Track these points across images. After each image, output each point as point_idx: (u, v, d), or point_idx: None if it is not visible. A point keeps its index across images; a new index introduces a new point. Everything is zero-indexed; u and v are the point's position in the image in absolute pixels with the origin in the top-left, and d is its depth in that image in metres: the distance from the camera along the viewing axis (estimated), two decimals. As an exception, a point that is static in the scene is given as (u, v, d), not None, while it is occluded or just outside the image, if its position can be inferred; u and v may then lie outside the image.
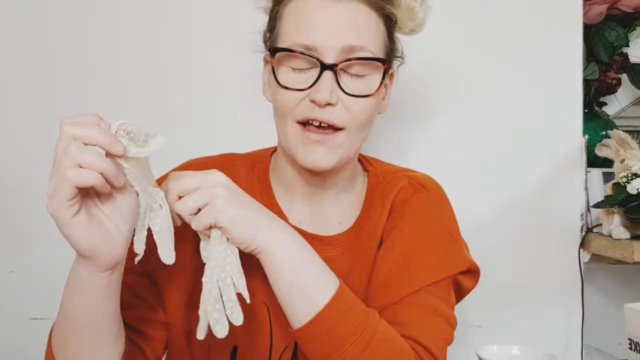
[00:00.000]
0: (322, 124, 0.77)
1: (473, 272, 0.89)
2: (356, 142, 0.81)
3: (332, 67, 0.75)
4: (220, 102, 1.32)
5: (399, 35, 0.88)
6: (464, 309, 1.28)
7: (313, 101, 0.76)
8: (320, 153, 0.78)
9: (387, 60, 0.80)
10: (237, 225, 0.69)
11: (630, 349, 0.99)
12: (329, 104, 0.76)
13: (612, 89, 1.52)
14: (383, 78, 0.79)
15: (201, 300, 0.69)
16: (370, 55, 0.77)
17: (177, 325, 0.84)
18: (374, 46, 0.78)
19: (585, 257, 1.32)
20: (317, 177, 0.85)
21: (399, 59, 0.87)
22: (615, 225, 1.25)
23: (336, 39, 0.75)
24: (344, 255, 0.85)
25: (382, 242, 0.86)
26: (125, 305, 0.73)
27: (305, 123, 0.78)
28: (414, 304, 0.78)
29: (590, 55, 1.48)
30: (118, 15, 1.33)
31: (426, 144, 1.32)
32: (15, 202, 1.33)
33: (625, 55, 1.51)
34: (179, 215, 0.69)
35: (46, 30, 1.33)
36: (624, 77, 1.53)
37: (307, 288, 0.71)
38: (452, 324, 0.82)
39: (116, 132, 0.62)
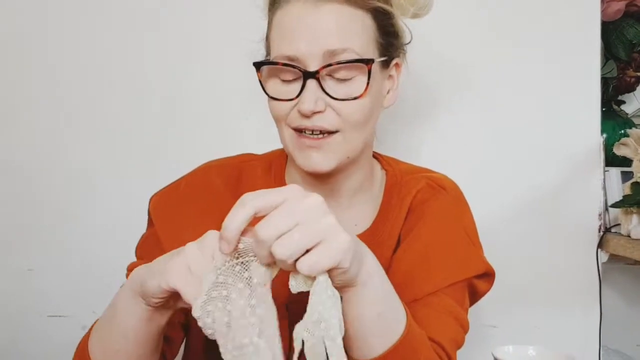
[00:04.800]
0: (315, 132, 0.76)
1: (488, 276, 0.88)
2: (355, 142, 0.79)
3: (314, 75, 0.74)
4: (233, 102, 1.32)
5: (405, 20, 0.85)
6: (480, 309, 1.27)
7: (302, 113, 0.75)
8: (317, 157, 0.77)
9: (372, 59, 0.77)
10: (355, 264, 0.58)
11: (649, 350, 0.98)
12: (316, 112, 0.75)
13: (630, 87, 1.49)
14: (369, 78, 0.76)
15: None
16: (354, 56, 0.75)
17: (197, 328, 0.84)
18: (358, 46, 0.76)
19: (603, 257, 1.31)
20: (326, 181, 0.84)
21: (399, 50, 0.85)
22: (634, 225, 1.23)
23: (317, 45, 0.74)
24: None
25: (399, 242, 0.85)
26: None
27: (298, 130, 0.77)
28: (431, 305, 0.78)
29: (608, 52, 1.46)
30: (129, 18, 1.34)
31: (442, 143, 1.31)
32: (33, 201, 1.34)
33: (644, 53, 1.49)
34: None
35: (61, 42, 1.35)
36: (643, 75, 1.51)
37: (389, 319, 0.66)
38: (465, 328, 0.81)
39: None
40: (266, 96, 0.80)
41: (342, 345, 0.56)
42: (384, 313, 0.64)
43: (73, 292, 1.33)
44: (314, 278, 0.56)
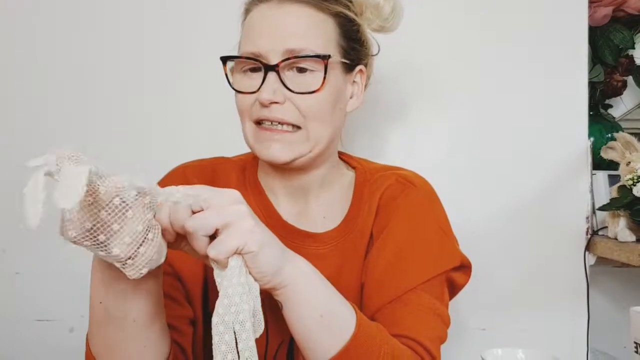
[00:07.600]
0: (274, 123, 0.80)
1: (465, 267, 0.89)
2: (317, 137, 0.82)
3: (274, 68, 0.79)
4: (220, 105, 1.32)
5: (375, 34, 0.90)
6: (469, 312, 1.27)
7: (261, 102, 0.79)
8: (276, 148, 0.81)
9: (328, 55, 0.80)
10: (268, 251, 0.61)
11: (636, 352, 0.98)
12: (274, 102, 0.79)
13: (617, 91, 1.51)
14: (325, 73, 0.80)
15: (214, 349, 0.57)
16: (311, 54, 0.79)
17: (199, 320, 0.85)
18: (318, 46, 0.80)
19: (591, 260, 1.32)
20: (292, 178, 0.87)
21: (364, 57, 0.88)
22: (620, 228, 1.25)
23: (279, 43, 0.79)
24: (334, 252, 0.86)
25: (371, 238, 0.87)
26: None
27: (259, 122, 0.81)
28: (410, 303, 0.79)
29: (595, 57, 1.48)
30: (122, 19, 1.34)
31: (431, 149, 1.32)
32: (20, 203, 1.33)
33: (631, 58, 1.50)
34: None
35: (53, 43, 1.34)
36: (630, 79, 1.52)
37: (335, 319, 0.68)
38: (446, 322, 0.83)
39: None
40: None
41: (251, 331, 0.57)
42: (326, 314, 0.67)
43: (61, 297, 1.32)
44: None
